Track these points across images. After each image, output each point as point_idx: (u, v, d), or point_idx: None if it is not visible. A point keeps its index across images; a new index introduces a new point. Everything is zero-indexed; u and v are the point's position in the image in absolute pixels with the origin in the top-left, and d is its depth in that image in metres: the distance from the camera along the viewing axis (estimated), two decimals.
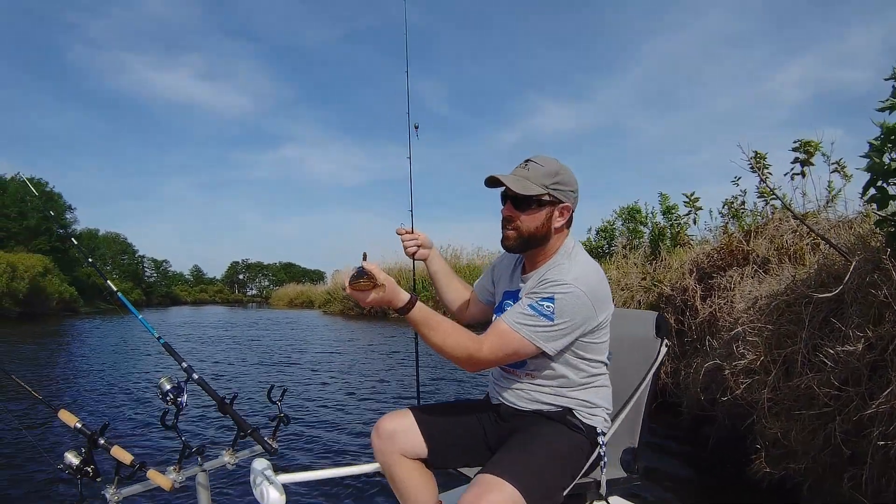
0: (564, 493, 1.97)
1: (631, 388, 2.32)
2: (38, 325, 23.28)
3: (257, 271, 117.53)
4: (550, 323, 1.92)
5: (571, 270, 1.99)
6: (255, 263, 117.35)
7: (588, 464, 2.06)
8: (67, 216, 47.89)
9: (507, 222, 2.14)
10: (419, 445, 2.22)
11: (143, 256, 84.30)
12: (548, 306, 1.92)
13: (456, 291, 2.67)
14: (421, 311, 1.94)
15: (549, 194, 2.06)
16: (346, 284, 1.89)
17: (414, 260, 2.71)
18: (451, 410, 2.38)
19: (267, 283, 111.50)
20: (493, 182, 2.11)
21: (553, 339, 1.94)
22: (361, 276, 1.85)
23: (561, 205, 2.09)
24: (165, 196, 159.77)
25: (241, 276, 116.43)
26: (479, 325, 2.12)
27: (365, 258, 1.90)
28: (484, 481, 1.82)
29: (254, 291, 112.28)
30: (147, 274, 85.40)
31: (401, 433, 2.24)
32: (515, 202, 2.09)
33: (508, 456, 1.96)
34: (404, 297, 1.93)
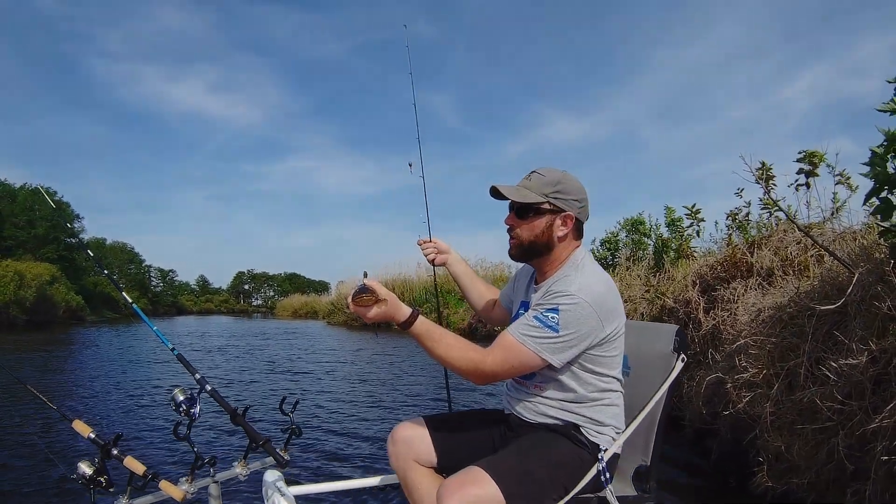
0: None
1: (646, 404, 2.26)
2: (46, 334, 23.33)
3: (262, 282, 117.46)
4: (555, 334, 1.92)
5: (576, 281, 1.98)
6: (261, 274, 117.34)
7: (587, 480, 2.04)
8: (75, 225, 48.05)
9: (509, 231, 2.20)
10: (431, 453, 2.27)
11: (150, 266, 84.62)
12: (552, 317, 1.92)
13: (478, 292, 2.73)
14: (423, 324, 1.98)
15: (548, 203, 2.09)
16: (349, 301, 1.93)
17: (434, 266, 2.79)
18: (464, 420, 2.41)
19: (272, 294, 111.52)
20: (496, 193, 2.15)
21: (559, 351, 1.94)
22: (364, 292, 1.90)
23: (563, 213, 2.10)
24: (174, 206, 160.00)
25: (246, 287, 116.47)
26: (504, 328, 2.15)
27: (366, 276, 1.96)
28: (471, 473, 1.88)
29: (259, 302, 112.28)
30: (153, 283, 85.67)
31: (415, 440, 2.29)
32: (517, 211, 2.14)
33: (503, 457, 1.99)
34: (406, 311, 1.97)
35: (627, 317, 2.16)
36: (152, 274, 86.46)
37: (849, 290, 3.29)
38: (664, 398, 2.23)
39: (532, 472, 1.95)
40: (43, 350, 16.09)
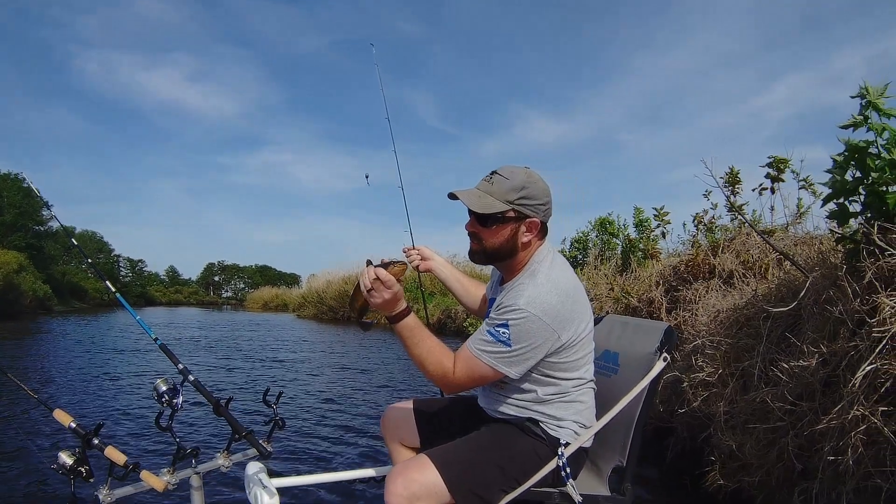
0: (508, 497, 2.00)
1: (628, 404, 2.18)
2: (14, 323, 22.94)
3: (233, 273, 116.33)
4: (508, 349, 1.92)
5: (525, 293, 1.95)
6: (231, 265, 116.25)
7: (543, 474, 2.05)
8: (44, 214, 47.14)
9: (471, 236, 2.15)
10: (415, 436, 2.41)
11: (119, 256, 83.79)
12: (504, 332, 1.92)
13: (468, 293, 2.72)
14: (413, 320, 1.99)
15: (513, 210, 2.03)
16: (371, 274, 1.91)
17: (419, 272, 2.78)
18: (449, 407, 2.48)
19: (242, 286, 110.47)
20: (455, 197, 2.09)
21: (514, 364, 1.94)
22: (402, 265, 1.92)
23: (528, 220, 2.05)
24: (146, 197, 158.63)
25: (216, 278, 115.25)
26: None
27: (369, 263, 1.95)
28: (418, 460, 1.97)
29: (229, 293, 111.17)
30: (122, 273, 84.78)
31: (401, 424, 2.44)
32: (479, 218, 2.07)
33: (454, 447, 2.06)
34: (404, 303, 1.98)
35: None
36: (121, 264, 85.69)
37: (801, 294, 3.34)
38: (643, 398, 2.19)
39: (479, 462, 2.00)
40: (14, 339, 15.88)
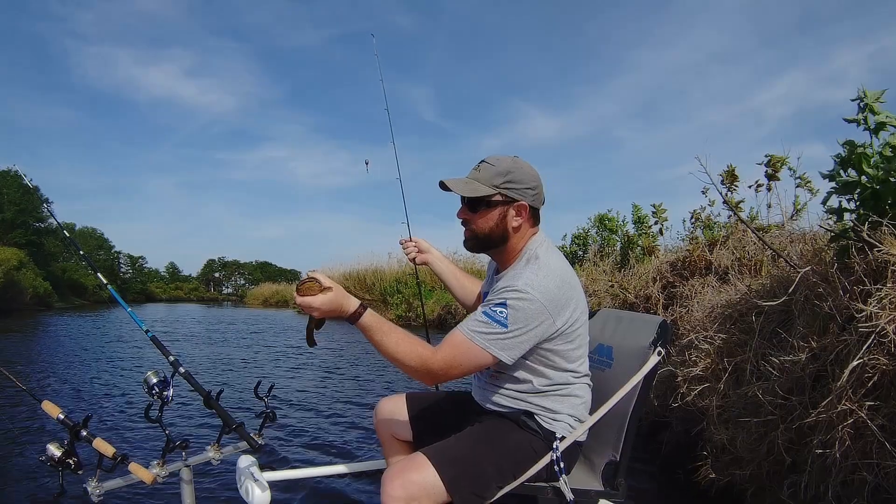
0: (502, 492, 1.99)
1: (622, 398, 2.16)
2: (13, 319, 22.98)
3: (233, 270, 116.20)
4: (504, 330, 1.87)
5: (523, 276, 1.94)
6: (232, 262, 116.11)
7: (539, 467, 2.03)
8: (43, 209, 47.15)
9: (464, 224, 2.17)
10: (408, 430, 2.39)
11: (119, 252, 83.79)
12: (501, 312, 1.88)
13: (463, 288, 2.71)
14: (371, 316, 1.92)
15: (499, 194, 2.05)
16: (294, 293, 1.89)
17: (416, 265, 2.80)
18: (442, 401, 2.47)
19: (243, 282, 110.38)
20: (446, 187, 2.10)
21: (508, 348, 1.89)
22: (307, 281, 1.87)
23: (516, 203, 2.07)
24: (144, 193, 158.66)
25: (216, 275, 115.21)
26: None
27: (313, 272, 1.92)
28: (414, 460, 1.93)
29: (229, 290, 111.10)
30: (122, 270, 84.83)
31: (394, 418, 2.42)
32: (469, 204, 2.11)
33: (450, 444, 2.03)
34: (354, 302, 1.91)
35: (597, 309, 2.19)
36: (121, 260, 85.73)
37: (791, 289, 3.37)
38: (637, 392, 2.17)
39: (476, 459, 1.97)
40: (11, 334, 15.89)
